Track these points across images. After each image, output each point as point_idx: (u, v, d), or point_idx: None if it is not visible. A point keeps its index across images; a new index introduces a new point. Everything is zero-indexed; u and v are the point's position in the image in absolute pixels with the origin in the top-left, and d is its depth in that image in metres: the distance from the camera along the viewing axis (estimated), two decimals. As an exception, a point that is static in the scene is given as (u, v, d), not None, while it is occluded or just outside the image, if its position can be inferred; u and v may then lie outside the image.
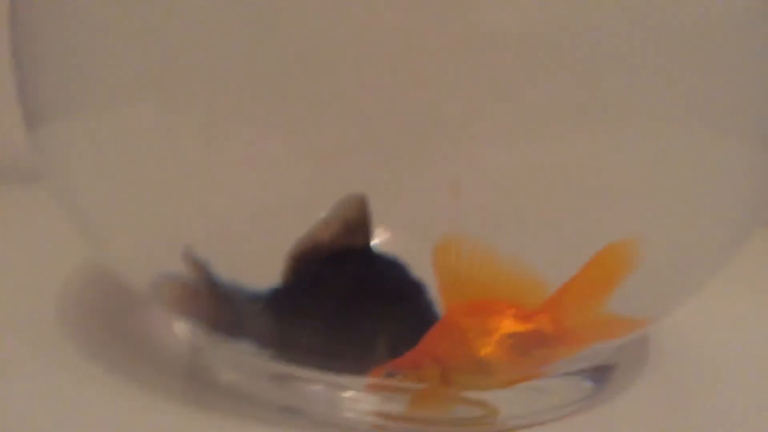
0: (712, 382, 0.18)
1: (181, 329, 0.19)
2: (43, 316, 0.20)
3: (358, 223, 0.13)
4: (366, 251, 0.13)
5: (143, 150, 0.13)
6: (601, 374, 0.17)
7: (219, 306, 0.15)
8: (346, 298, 0.14)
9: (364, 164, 0.13)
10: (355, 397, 0.15)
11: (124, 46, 0.13)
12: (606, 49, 0.12)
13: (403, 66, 0.12)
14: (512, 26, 0.12)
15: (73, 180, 0.15)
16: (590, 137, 0.12)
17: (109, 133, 0.13)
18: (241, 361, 0.16)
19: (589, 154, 0.12)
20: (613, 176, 0.13)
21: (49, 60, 0.14)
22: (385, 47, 0.12)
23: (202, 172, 0.13)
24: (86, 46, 0.13)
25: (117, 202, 0.15)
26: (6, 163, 0.34)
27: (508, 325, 0.12)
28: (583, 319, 0.13)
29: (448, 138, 0.12)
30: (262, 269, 0.14)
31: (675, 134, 0.13)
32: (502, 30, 0.12)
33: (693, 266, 0.15)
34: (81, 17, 0.13)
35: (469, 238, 0.12)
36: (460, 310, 0.12)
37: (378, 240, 0.13)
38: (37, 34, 0.14)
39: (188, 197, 0.14)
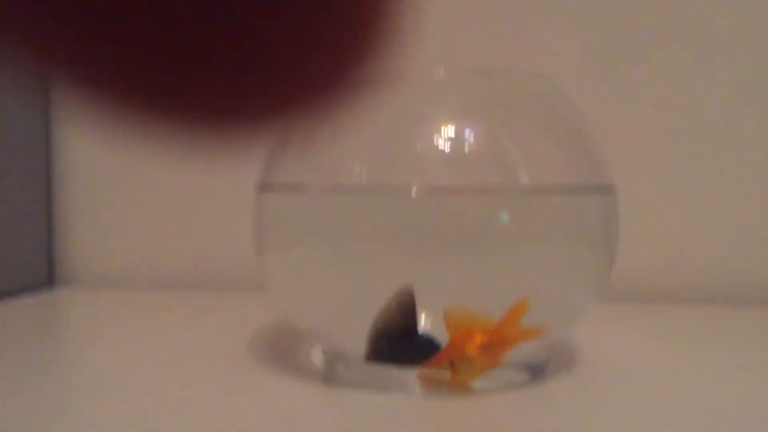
0: (612, 381, 0.34)
1: (318, 355, 0.36)
2: (238, 347, 0.38)
3: (409, 304, 0.30)
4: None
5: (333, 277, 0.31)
6: (535, 369, 0.33)
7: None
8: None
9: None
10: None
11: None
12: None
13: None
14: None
15: (282, 285, 0.33)
16: (515, 266, 0.29)
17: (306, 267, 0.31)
18: (352, 368, 0.33)
19: (512, 272, 0.29)
20: (524, 282, 0.30)
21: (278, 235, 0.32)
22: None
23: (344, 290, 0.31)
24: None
25: (300, 299, 0.32)
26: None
27: (478, 338, 0.29)
28: (510, 333, 0.29)
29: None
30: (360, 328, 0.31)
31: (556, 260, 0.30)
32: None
33: (564, 310, 0.32)
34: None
35: (459, 305, 0.28)
36: (458, 336, 0.29)
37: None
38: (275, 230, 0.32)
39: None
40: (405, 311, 0.30)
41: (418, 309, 0.30)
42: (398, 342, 0.30)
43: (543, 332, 0.30)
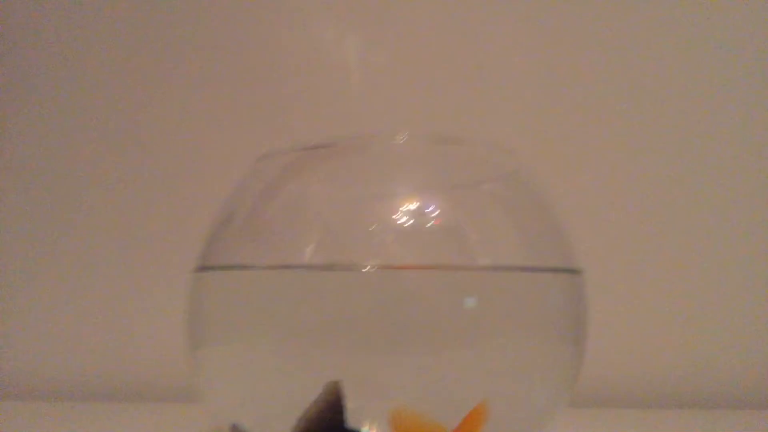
0: None
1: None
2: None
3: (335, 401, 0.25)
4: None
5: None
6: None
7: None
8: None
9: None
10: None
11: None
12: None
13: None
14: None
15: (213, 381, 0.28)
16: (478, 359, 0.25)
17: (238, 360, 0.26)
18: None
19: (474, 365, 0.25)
20: (479, 380, 0.25)
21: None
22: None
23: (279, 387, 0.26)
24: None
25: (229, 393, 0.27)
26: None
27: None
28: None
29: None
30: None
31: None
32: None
33: (530, 413, 0.27)
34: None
35: (407, 408, 0.23)
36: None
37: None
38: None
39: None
40: (332, 406, 0.25)
41: (366, 409, 0.25)
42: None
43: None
